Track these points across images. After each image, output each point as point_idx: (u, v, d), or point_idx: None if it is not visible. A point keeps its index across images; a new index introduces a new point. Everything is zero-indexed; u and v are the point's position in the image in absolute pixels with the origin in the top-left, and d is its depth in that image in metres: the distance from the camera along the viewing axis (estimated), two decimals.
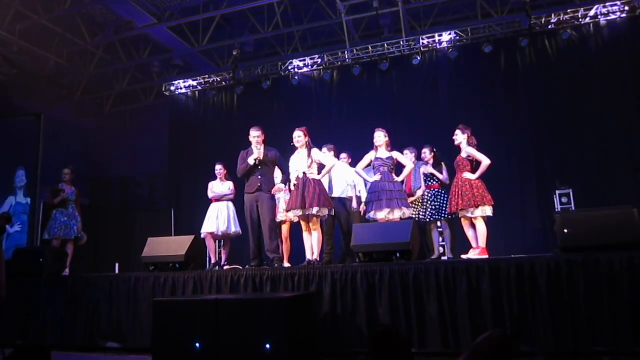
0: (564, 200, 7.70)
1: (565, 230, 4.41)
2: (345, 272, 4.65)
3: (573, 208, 7.56)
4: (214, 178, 7.05)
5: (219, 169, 6.98)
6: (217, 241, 7.28)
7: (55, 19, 9.55)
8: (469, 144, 5.82)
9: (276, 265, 5.59)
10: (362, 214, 6.92)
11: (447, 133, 8.70)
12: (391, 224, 5.46)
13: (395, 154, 6.01)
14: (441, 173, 6.55)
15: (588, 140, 8.32)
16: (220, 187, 6.93)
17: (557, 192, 7.82)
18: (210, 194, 6.97)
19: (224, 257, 6.85)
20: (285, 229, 6.71)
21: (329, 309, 4.60)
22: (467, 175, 5.66)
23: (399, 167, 6.08)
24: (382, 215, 5.71)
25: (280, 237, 6.47)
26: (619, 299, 3.86)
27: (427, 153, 6.68)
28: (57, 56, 10.43)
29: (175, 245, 5.79)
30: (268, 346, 3.65)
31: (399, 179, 5.90)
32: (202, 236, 6.73)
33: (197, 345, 3.84)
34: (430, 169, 6.60)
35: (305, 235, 5.71)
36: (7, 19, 9.15)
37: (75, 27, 9.85)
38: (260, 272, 5.03)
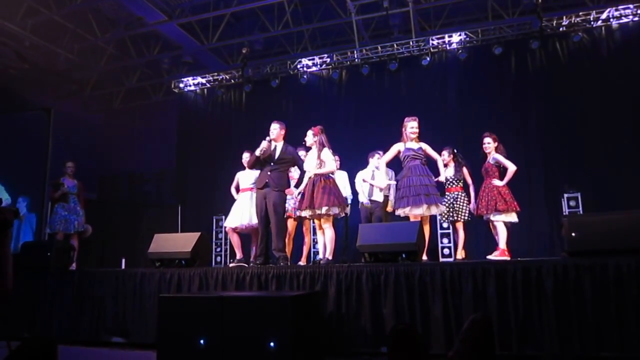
0: (572, 203, 7.64)
1: (573, 234, 4.38)
2: (350, 272, 4.64)
3: (581, 212, 7.50)
4: (229, 167, 6.91)
5: (246, 157, 6.64)
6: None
7: (66, 15, 9.61)
8: (497, 150, 6.00)
9: (282, 263, 5.59)
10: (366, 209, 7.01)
11: (456, 134, 8.75)
12: (398, 224, 5.45)
13: (424, 146, 5.86)
14: (462, 177, 6.58)
15: (597, 144, 8.26)
16: (247, 176, 6.63)
17: (565, 195, 7.76)
18: (233, 190, 6.82)
19: (252, 253, 6.35)
20: (294, 225, 6.66)
21: (334, 308, 4.60)
22: (496, 182, 5.86)
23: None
24: (419, 211, 5.53)
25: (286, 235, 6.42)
26: (627, 304, 3.83)
27: (445, 155, 6.60)
28: (67, 51, 10.49)
29: (182, 242, 5.81)
30: (272, 344, 3.65)
31: (440, 170, 5.95)
32: (226, 230, 6.59)
33: (202, 341, 3.85)
34: (452, 172, 6.60)
35: (319, 234, 5.73)
36: (20, 14, 9.21)
37: (86, 22, 9.89)
38: (265, 270, 5.04)
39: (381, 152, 6.84)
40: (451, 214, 6.50)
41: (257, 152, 5.77)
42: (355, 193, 7.35)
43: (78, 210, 7.26)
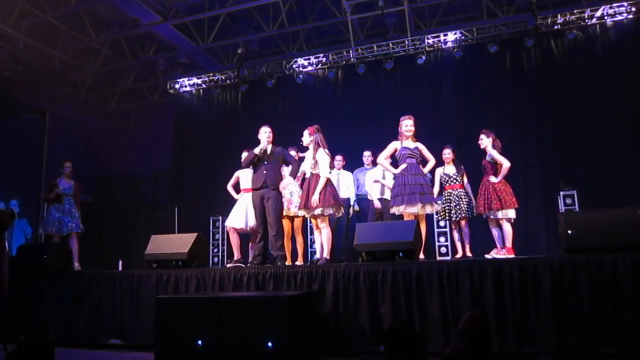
0: (568, 201, 7.66)
1: (569, 231, 4.38)
2: (347, 271, 4.64)
3: (577, 209, 7.52)
4: (226, 167, 6.82)
5: (245, 156, 6.49)
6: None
7: (61, 16, 9.57)
8: (494, 146, 6.05)
9: (279, 263, 5.59)
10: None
11: (452, 132, 8.77)
12: (395, 224, 5.44)
13: (420, 146, 5.84)
14: (461, 175, 6.60)
15: (593, 141, 8.29)
16: (248, 175, 6.48)
17: (561, 193, 7.79)
18: (230, 188, 6.76)
19: (250, 254, 6.29)
20: (290, 225, 6.66)
21: (331, 308, 4.60)
22: (492, 178, 5.94)
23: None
24: (413, 210, 5.50)
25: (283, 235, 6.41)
26: (623, 301, 3.84)
27: (448, 153, 6.63)
28: (62, 53, 10.46)
29: (179, 243, 5.79)
30: (270, 344, 3.65)
31: (425, 171, 5.81)
32: (226, 229, 6.52)
33: (200, 342, 3.85)
34: (453, 169, 6.64)
35: (316, 233, 5.73)
36: (13, 16, 9.18)
37: (80, 24, 9.86)
38: (263, 270, 5.04)
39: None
40: (456, 212, 6.46)
41: (257, 151, 5.82)
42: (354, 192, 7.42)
43: (73, 212, 7.05)
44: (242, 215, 6.43)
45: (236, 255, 6.42)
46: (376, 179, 6.98)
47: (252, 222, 6.29)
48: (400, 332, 2.66)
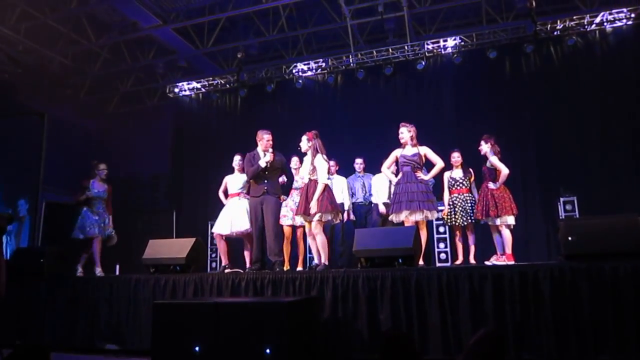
0: (568, 207, 7.65)
1: (569, 238, 4.38)
2: (346, 277, 4.62)
3: (577, 215, 7.51)
4: (224, 172, 6.71)
5: (237, 159, 6.56)
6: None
7: (60, 19, 9.56)
8: (493, 152, 6.02)
9: (277, 268, 5.56)
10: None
11: (451, 138, 8.75)
12: (394, 229, 5.43)
13: (424, 150, 5.71)
14: (468, 179, 6.53)
15: (593, 148, 8.29)
16: (235, 181, 6.49)
17: (561, 199, 7.78)
18: (221, 194, 6.66)
19: (247, 259, 6.26)
20: (290, 230, 6.64)
21: (330, 314, 4.57)
22: (490, 185, 5.94)
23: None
24: (401, 217, 5.50)
25: (282, 240, 6.39)
26: (623, 307, 3.82)
27: (457, 157, 6.54)
28: (61, 56, 10.45)
29: (177, 248, 5.76)
30: (268, 350, 3.62)
31: (427, 177, 5.67)
32: (213, 236, 6.44)
33: (197, 348, 3.81)
34: (461, 173, 6.57)
35: (310, 239, 5.70)
36: (13, 18, 9.16)
37: (80, 27, 9.85)
38: (261, 276, 5.01)
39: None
40: (461, 217, 6.35)
41: (263, 164, 5.76)
42: (351, 196, 7.41)
43: (104, 216, 6.80)
44: (227, 221, 6.31)
45: (224, 261, 6.33)
46: (383, 183, 6.95)
47: (236, 227, 6.19)
48: (394, 339, 2.63)
